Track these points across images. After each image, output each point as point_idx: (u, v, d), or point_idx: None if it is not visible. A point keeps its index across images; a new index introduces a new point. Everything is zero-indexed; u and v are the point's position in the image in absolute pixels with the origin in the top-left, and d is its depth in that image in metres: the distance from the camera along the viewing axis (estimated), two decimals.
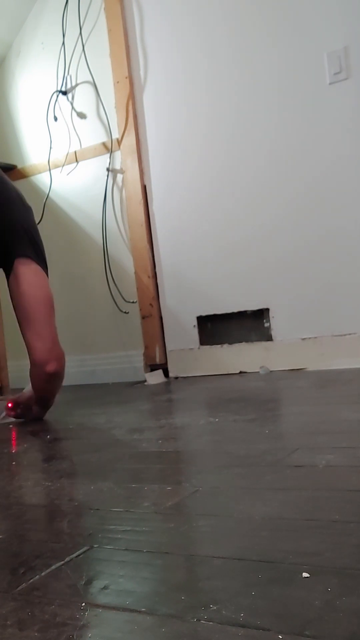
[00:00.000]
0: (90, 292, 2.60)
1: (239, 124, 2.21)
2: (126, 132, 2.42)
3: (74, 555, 0.60)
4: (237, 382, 1.98)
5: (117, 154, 2.47)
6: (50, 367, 1.46)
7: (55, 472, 0.98)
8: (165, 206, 2.38)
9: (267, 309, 2.22)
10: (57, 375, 1.50)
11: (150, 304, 2.42)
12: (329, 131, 2.05)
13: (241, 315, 2.28)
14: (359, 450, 0.88)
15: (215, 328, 2.34)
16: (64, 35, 2.56)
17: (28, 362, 1.52)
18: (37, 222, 1.67)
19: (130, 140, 2.41)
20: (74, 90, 2.57)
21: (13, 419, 1.64)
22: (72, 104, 2.58)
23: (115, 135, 2.46)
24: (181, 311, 2.37)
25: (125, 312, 2.49)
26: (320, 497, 0.69)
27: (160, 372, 2.39)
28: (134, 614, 0.46)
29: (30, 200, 1.66)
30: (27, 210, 1.59)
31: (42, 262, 1.54)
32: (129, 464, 1.00)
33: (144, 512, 0.71)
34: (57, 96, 2.60)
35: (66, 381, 2.66)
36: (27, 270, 1.49)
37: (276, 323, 2.20)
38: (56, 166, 2.63)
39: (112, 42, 2.43)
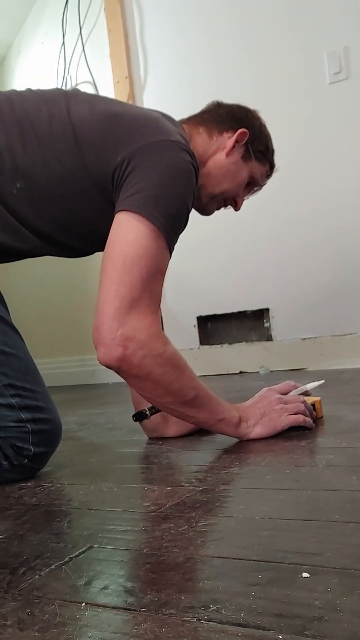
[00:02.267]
0: (90, 292, 2.59)
1: None
2: None
3: (74, 555, 0.60)
4: (237, 382, 1.98)
5: None
6: (99, 354, 0.94)
7: (55, 472, 0.98)
8: None
9: (267, 309, 2.22)
10: (118, 370, 0.94)
11: None
12: (328, 131, 2.06)
13: (241, 315, 2.28)
14: (359, 450, 0.88)
15: (215, 328, 2.34)
16: (64, 35, 2.56)
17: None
18: None
19: None
20: None
21: None
22: None
23: None
24: (181, 311, 2.37)
25: None
26: (320, 497, 0.69)
27: None
28: (134, 613, 0.46)
29: None
30: None
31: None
32: (129, 464, 1.00)
33: (144, 512, 0.71)
34: None
35: (66, 381, 2.70)
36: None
37: (276, 323, 2.20)
38: None
39: (112, 42, 2.43)
